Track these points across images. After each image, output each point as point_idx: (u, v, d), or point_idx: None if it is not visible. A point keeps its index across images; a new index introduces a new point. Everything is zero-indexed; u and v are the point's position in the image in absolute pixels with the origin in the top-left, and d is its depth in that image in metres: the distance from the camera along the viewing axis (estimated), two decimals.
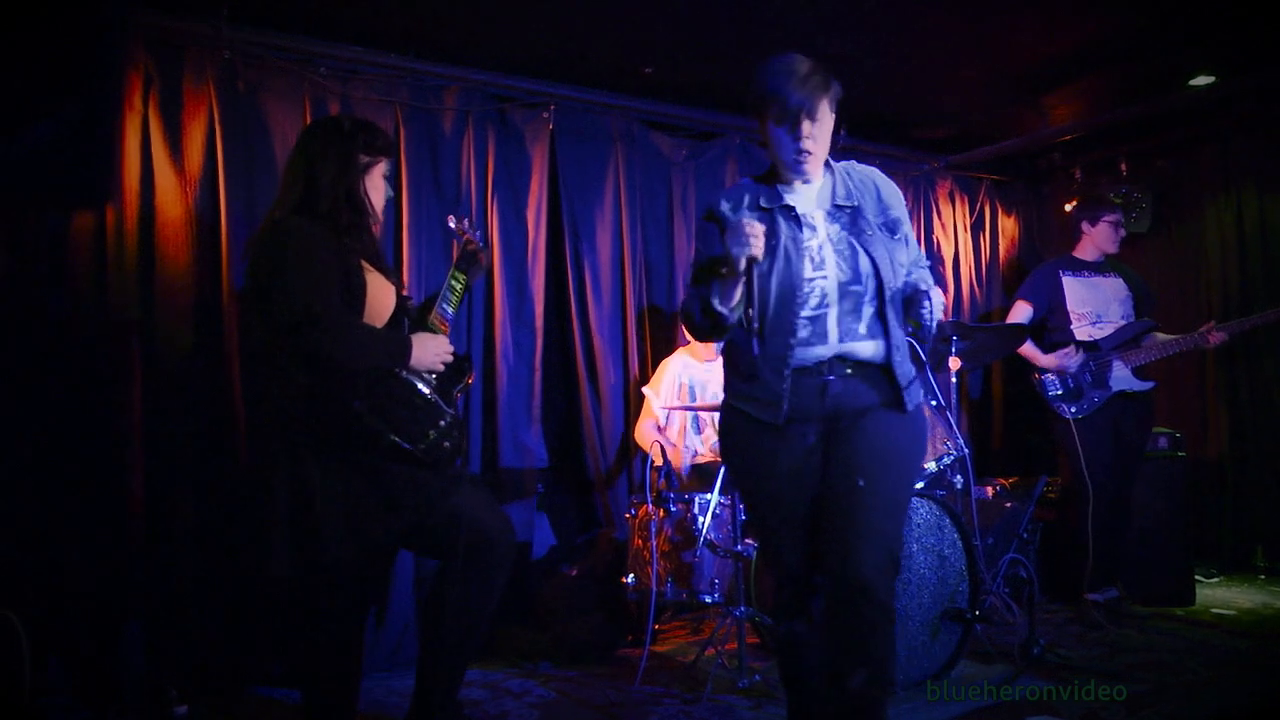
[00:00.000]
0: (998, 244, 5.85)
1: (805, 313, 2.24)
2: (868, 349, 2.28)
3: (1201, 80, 4.50)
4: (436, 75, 3.94)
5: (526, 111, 4.21)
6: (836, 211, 2.33)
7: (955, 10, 3.73)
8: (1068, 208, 5.23)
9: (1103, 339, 4.25)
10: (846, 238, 2.29)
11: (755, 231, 2.10)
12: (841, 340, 2.25)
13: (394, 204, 3.70)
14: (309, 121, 3.53)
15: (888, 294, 2.27)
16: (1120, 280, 4.36)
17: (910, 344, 2.38)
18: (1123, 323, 4.27)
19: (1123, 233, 4.40)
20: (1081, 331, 4.29)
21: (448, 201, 3.93)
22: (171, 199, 3.36)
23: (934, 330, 2.30)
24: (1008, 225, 5.93)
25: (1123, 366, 4.20)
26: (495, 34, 3.80)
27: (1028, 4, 3.70)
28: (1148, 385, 4.23)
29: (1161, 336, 4.26)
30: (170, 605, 3.24)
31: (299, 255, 2.33)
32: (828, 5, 3.62)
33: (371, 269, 2.49)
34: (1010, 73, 4.40)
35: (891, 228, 2.34)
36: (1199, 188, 5.35)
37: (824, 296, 2.25)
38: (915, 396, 2.35)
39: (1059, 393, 4.25)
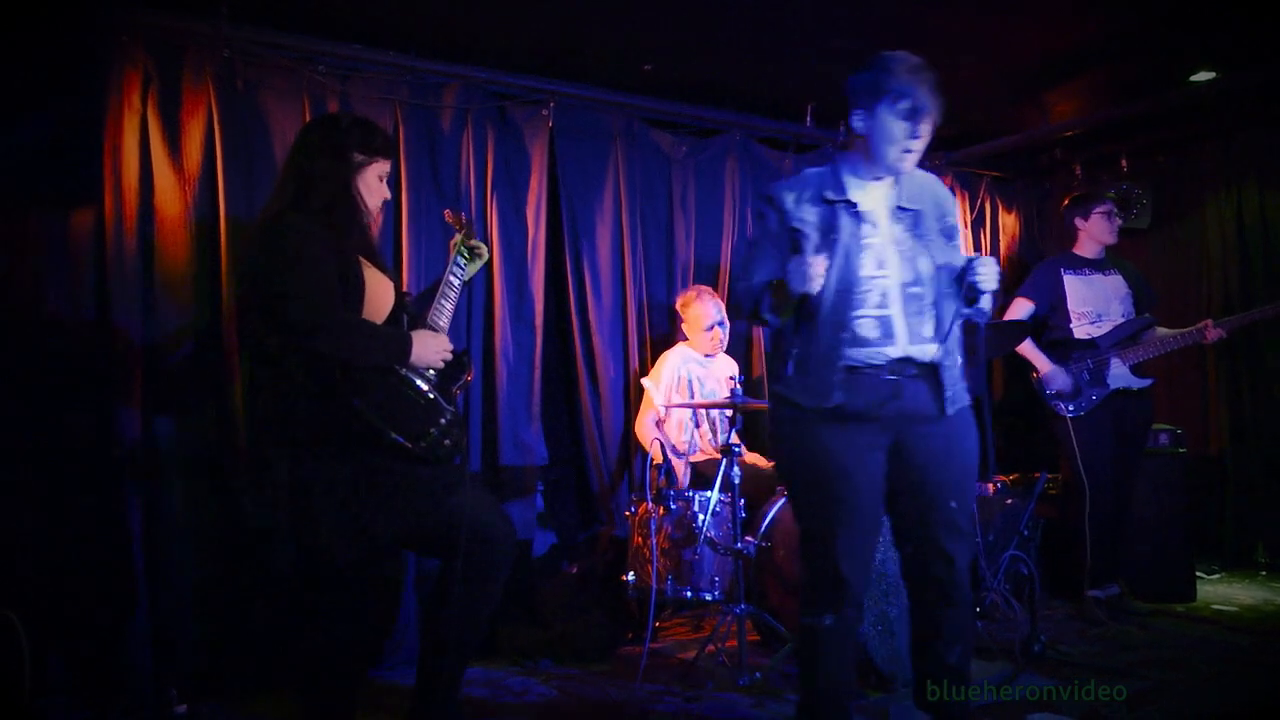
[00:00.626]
0: (998, 240, 5.83)
1: (868, 311, 2.29)
2: (931, 352, 2.32)
3: (1202, 76, 4.49)
4: (436, 73, 3.93)
5: (526, 109, 4.20)
6: (900, 213, 2.37)
7: (955, 8, 3.71)
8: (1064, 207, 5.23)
9: (1100, 336, 4.24)
10: (910, 240, 2.34)
11: (817, 271, 2.19)
12: (911, 342, 2.30)
13: (393, 202, 3.70)
14: (308, 119, 3.53)
15: (946, 299, 2.33)
16: (1120, 278, 4.35)
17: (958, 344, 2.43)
18: (1122, 321, 4.26)
19: (1119, 221, 4.37)
20: (1081, 330, 4.28)
21: (447, 199, 3.92)
22: (171, 198, 3.35)
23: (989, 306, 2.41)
24: (1008, 221, 5.92)
25: (1121, 364, 4.19)
26: (495, 32, 3.79)
27: (1028, 1, 3.69)
28: (1146, 382, 4.22)
29: (1161, 332, 4.25)
30: (171, 605, 3.24)
31: (297, 251, 2.31)
32: (829, 3, 3.61)
33: (369, 265, 2.48)
34: (1010, 70, 4.39)
35: (949, 234, 2.40)
36: (1200, 184, 5.34)
37: (884, 295, 2.30)
38: (962, 400, 2.39)
39: (1056, 390, 4.24)
